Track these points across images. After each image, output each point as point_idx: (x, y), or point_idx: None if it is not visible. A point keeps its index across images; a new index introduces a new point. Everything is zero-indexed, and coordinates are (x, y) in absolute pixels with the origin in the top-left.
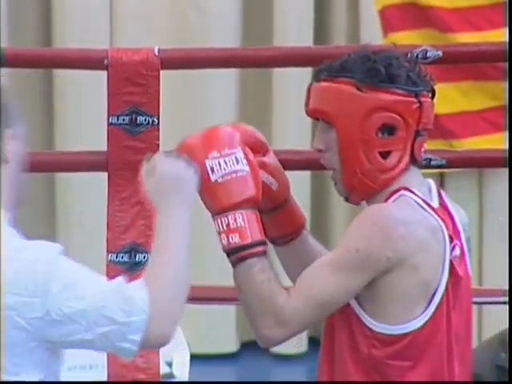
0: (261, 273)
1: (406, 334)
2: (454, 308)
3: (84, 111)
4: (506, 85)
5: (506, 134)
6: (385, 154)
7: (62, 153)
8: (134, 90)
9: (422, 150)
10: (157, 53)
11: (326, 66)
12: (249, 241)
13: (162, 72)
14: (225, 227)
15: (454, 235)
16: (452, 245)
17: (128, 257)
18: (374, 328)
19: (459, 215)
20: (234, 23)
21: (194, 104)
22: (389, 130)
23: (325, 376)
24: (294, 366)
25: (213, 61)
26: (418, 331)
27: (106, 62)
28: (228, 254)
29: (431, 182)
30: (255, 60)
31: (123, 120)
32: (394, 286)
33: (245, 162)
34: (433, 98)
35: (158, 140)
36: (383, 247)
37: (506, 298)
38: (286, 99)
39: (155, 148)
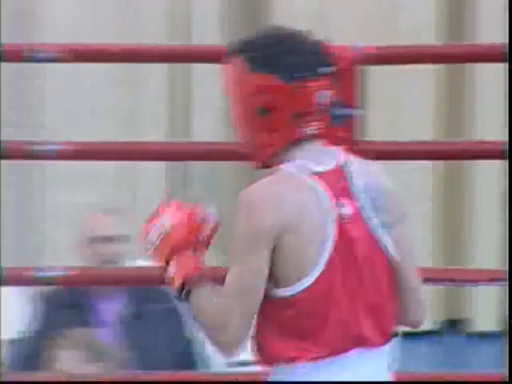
0: (195, 302)
1: (300, 292)
2: (350, 264)
3: None
4: (507, 85)
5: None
6: (265, 131)
7: None
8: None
9: (303, 129)
10: (355, 49)
11: (233, 43)
12: (178, 284)
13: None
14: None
15: (343, 195)
16: (336, 204)
17: None
18: (274, 294)
19: (368, 181)
20: None
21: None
22: (265, 110)
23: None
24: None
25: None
26: (312, 287)
27: None
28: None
29: (339, 151)
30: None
31: None
32: (281, 253)
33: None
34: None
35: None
36: (258, 226)
37: None
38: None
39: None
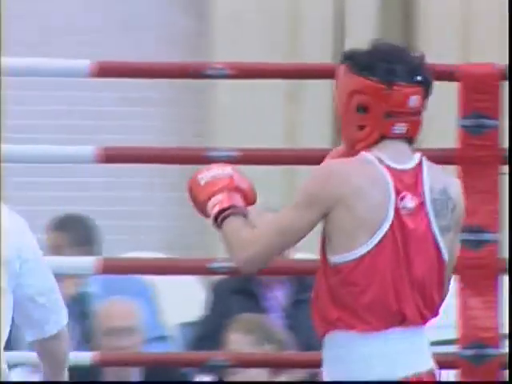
0: (234, 223)
1: (348, 262)
2: (400, 251)
3: None
4: (507, 86)
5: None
6: (361, 128)
7: None
8: (479, 98)
9: (394, 127)
10: (497, 67)
11: (343, 52)
12: (226, 205)
13: None
14: (211, 206)
15: (409, 191)
16: (400, 196)
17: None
18: (329, 260)
19: (436, 185)
20: None
21: None
22: (363, 109)
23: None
24: None
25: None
26: (359, 260)
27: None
28: (216, 221)
29: (418, 155)
30: None
31: (469, 122)
32: (335, 222)
33: (227, 171)
34: (426, 91)
35: (497, 140)
36: (316, 193)
37: None
38: None
39: (495, 146)
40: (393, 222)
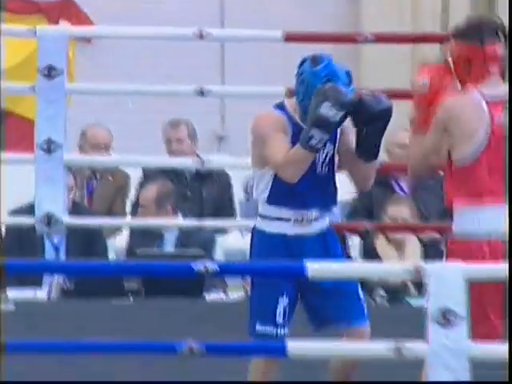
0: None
1: (463, 161)
2: (496, 151)
3: None
4: (507, 85)
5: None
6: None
7: None
8: None
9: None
10: None
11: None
12: None
13: None
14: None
15: (501, 113)
16: (492, 115)
17: None
18: (452, 157)
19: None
20: None
21: None
22: (468, 63)
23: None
24: None
25: None
26: (468, 157)
27: None
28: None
29: (505, 87)
30: None
31: None
32: (450, 135)
33: None
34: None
35: None
36: (437, 118)
37: None
38: None
39: None
40: (490, 130)
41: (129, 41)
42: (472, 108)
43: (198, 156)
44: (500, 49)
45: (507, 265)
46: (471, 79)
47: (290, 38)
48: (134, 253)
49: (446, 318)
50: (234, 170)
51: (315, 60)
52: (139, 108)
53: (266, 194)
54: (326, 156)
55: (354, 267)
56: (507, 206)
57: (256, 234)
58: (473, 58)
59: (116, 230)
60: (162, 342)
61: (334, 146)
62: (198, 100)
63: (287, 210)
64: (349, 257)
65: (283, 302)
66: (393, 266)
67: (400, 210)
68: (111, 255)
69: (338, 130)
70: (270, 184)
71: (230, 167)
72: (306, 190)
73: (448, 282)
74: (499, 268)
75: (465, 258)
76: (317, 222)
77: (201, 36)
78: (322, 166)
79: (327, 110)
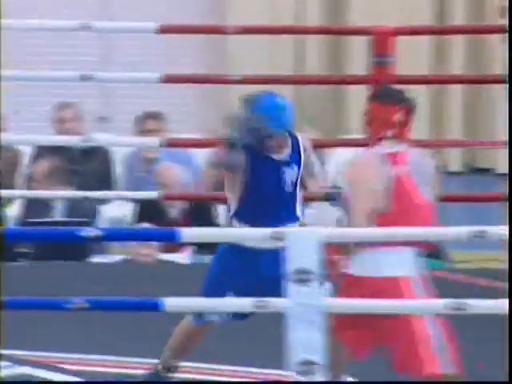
0: None
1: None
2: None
3: None
4: (507, 83)
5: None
6: None
7: None
8: None
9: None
10: None
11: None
12: None
13: None
14: None
15: (401, 165)
16: (395, 167)
17: None
18: None
19: (415, 160)
20: None
21: None
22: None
23: None
24: None
25: None
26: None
27: None
28: None
29: (404, 144)
30: None
31: None
32: None
33: None
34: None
35: None
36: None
37: None
38: None
39: None
40: (395, 181)
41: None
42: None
43: (82, 134)
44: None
45: (507, 264)
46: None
47: (164, 30)
48: (26, 222)
49: (302, 277)
50: (114, 148)
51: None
52: (32, 92)
53: (233, 212)
54: (297, 176)
55: (223, 233)
56: (507, 206)
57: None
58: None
59: (9, 200)
60: (53, 299)
61: (299, 167)
62: (83, 84)
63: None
64: None
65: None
66: (256, 231)
67: None
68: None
69: (302, 151)
70: (238, 203)
71: (110, 145)
72: (272, 207)
73: (304, 245)
74: (352, 231)
75: None
76: None
77: (86, 28)
78: (290, 185)
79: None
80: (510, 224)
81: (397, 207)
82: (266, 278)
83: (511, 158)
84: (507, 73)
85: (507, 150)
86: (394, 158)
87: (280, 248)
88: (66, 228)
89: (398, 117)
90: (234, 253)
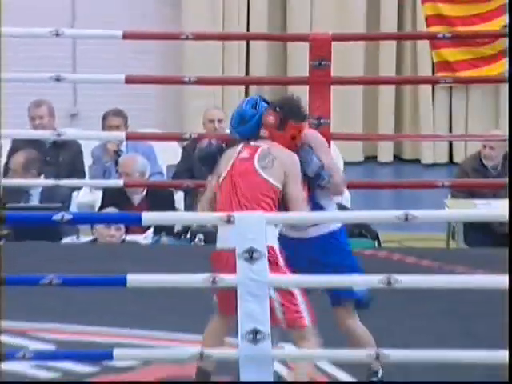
0: None
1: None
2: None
3: None
4: (507, 82)
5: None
6: None
7: None
8: None
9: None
10: None
11: None
12: None
13: None
14: None
15: (250, 152)
16: (238, 154)
17: None
18: None
19: (260, 152)
20: None
21: None
22: None
23: None
24: None
25: None
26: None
27: None
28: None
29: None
30: None
31: None
32: None
33: None
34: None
35: None
36: None
37: None
38: None
39: None
40: (232, 164)
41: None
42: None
43: (55, 129)
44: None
45: (508, 264)
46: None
47: (127, 36)
48: (4, 207)
49: (250, 255)
50: (83, 141)
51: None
52: (12, 91)
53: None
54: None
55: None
56: (508, 206)
57: None
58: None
59: None
60: (29, 275)
61: None
62: (55, 84)
63: None
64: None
65: None
66: (210, 215)
67: None
68: None
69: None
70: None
71: (80, 138)
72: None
73: (252, 227)
74: (295, 215)
75: None
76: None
77: (57, 34)
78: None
79: None
80: (510, 222)
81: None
82: (311, 262)
83: (511, 161)
84: (507, 73)
85: (507, 149)
86: (247, 149)
87: (319, 236)
88: (42, 213)
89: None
90: (282, 244)
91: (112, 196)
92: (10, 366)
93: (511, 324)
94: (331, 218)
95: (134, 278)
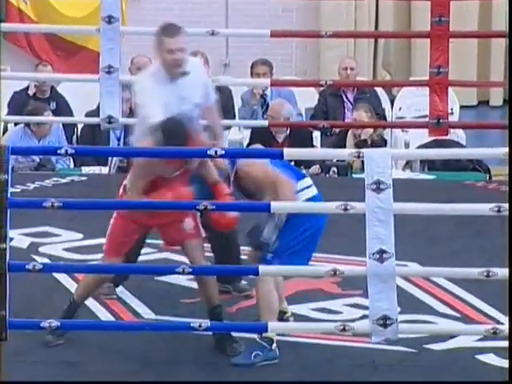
0: None
1: None
2: None
3: None
4: (507, 81)
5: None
6: None
7: None
8: None
9: None
10: None
11: None
12: None
13: None
14: None
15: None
16: None
17: None
18: None
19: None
20: None
21: None
22: None
23: None
24: None
25: None
26: None
27: None
28: None
29: None
30: None
31: None
32: None
33: None
34: None
35: None
36: None
37: None
38: None
39: None
40: None
41: None
42: None
43: (210, 77)
44: None
45: (508, 263)
46: None
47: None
48: None
49: (377, 186)
50: (234, 87)
51: None
52: None
53: None
54: None
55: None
56: (507, 206)
57: None
58: None
59: None
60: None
61: None
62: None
63: None
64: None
65: None
66: (342, 151)
67: (360, 114)
68: None
69: None
70: None
71: (231, 85)
72: None
73: (379, 162)
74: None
75: None
76: None
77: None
78: None
79: None
80: (510, 221)
81: None
82: None
83: (511, 160)
84: (507, 73)
85: (507, 149)
86: None
87: None
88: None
89: None
90: None
91: (259, 134)
92: None
93: (511, 324)
94: (456, 153)
95: (277, 206)
